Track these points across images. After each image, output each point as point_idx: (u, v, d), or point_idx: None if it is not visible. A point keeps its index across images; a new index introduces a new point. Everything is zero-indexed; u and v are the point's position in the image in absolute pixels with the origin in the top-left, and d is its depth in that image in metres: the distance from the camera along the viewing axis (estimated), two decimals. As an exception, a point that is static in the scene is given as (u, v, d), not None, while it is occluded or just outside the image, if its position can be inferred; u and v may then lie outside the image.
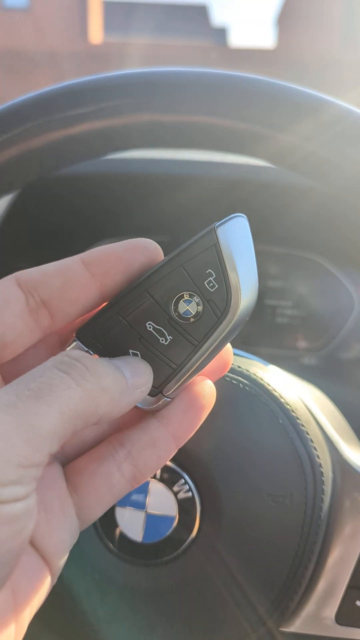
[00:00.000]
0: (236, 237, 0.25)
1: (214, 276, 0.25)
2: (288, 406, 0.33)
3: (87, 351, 0.26)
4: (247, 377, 0.33)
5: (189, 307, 0.26)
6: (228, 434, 0.33)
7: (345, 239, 0.63)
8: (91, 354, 0.26)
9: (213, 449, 0.32)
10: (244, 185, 0.57)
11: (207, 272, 0.25)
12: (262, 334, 0.70)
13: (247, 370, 0.34)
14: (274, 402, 0.33)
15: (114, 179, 0.60)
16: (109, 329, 0.26)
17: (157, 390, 0.26)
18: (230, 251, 0.25)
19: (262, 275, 0.70)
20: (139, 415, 0.28)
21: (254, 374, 0.34)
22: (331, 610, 0.33)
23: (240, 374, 0.33)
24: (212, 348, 0.26)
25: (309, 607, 0.33)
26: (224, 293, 0.25)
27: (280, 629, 0.33)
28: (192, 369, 0.26)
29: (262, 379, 0.34)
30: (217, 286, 0.25)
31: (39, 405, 0.20)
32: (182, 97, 0.30)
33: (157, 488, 0.32)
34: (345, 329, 0.69)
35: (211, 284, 0.25)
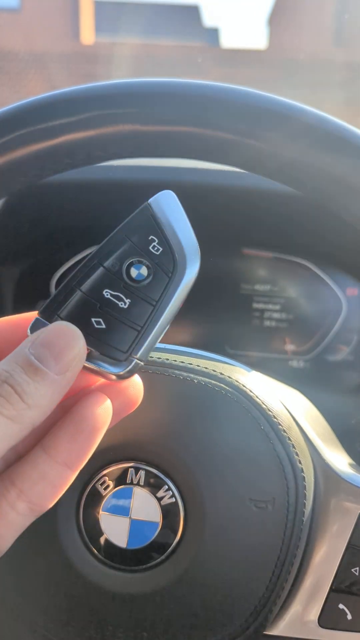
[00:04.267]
0: (168, 206, 0.29)
1: (157, 240, 0.28)
2: (270, 412, 0.33)
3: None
4: (229, 383, 0.34)
5: (140, 270, 0.28)
6: (210, 440, 0.33)
7: (332, 242, 0.63)
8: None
9: (196, 455, 0.33)
10: (227, 191, 0.57)
11: (150, 238, 0.28)
12: (250, 337, 0.71)
13: (229, 377, 0.34)
14: (255, 408, 0.33)
15: (103, 185, 0.60)
16: (68, 302, 0.28)
17: (126, 354, 0.27)
18: (166, 217, 0.28)
19: (250, 279, 0.70)
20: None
21: (236, 380, 0.34)
22: (314, 614, 0.34)
23: (223, 380, 0.34)
24: (170, 304, 0.28)
25: (293, 611, 0.34)
26: (169, 253, 0.28)
27: (264, 632, 0.34)
28: (157, 327, 0.28)
29: (243, 385, 0.34)
30: (161, 249, 0.28)
31: None
32: (163, 107, 0.30)
33: (141, 494, 0.33)
34: (333, 332, 0.69)
35: (155, 248, 0.28)
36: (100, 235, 0.66)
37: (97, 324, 0.27)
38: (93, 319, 0.27)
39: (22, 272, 0.69)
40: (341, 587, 0.33)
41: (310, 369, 0.70)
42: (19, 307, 0.70)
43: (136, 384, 0.30)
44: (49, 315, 0.27)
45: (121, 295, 0.28)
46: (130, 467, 0.33)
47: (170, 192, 0.29)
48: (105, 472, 0.33)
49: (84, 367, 0.27)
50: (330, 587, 0.33)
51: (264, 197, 0.58)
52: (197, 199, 0.58)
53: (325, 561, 0.34)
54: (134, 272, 0.28)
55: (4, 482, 0.26)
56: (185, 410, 0.33)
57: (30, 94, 0.33)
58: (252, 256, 0.69)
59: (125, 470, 0.33)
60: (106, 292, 0.28)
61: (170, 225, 0.28)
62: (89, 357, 0.27)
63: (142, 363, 0.28)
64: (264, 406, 0.33)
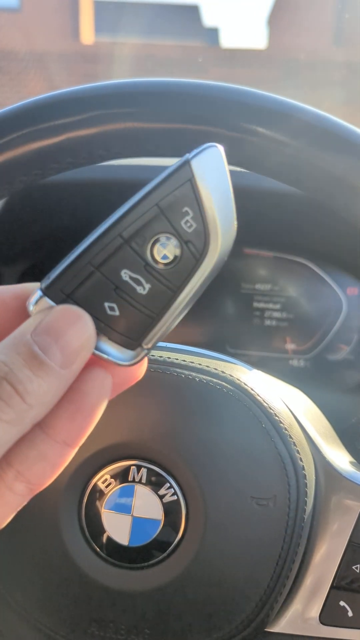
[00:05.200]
0: (212, 170, 0.23)
1: (191, 215, 0.23)
2: (271, 410, 0.34)
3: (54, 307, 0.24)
4: (231, 381, 0.34)
5: (166, 250, 0.23)
6: (212, 438, 0.33)
7: (332, 241, 0.63)
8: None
9: (198, 453, 0.33)
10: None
11: (184, 210, 0.23)
12: (251, 336, 0.71)
13: (231, 375, 0.34)
14: (257, 406, 0.33)
15: (104, 184, 0.60)
16: (80, 281, 0.23)
17: (136, 343, 0.24)
18: (207, 186, 0.23)
19: (250, 279, 0.70)
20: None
21: (237, 379, 0.34)
22: (315, 611, 0.34)
23: (224, 378, 0.34)
24: (192, 293, 0.24)
25: (294, 608, 0.34)
26: (202, 234, 0.23)
27: (266, 629, 0.34)
28: (172, 317, 0.24)
29: (245, 384, 0.34)
30: (194, 226, 0.23)
31: None
32: (164, 106, 0.31)
33: (143, 492, 0.33)
34: (334, 331, 0.69)
35: (188, 224, 0.23)
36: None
37: (110, 310, 0.24)
38: (106, 304, 0.23)
39: (24, 272, 0.69)
40: (342, 584, 0.34)
41: (310, 368, 0.70)
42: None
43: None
44: (55, 294, 0.23)
45: (141, 279, 0.23)
46: (132, 465, 0.33)
47: (217, 148, 0.23)
48: (107, 470, 0.33)
49: None
50: (331, 585, 0.34)
51: (264, 196, 0.58)
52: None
53: (326, 558, 0.34)
54: (159, 252, 0.23)
55: (1, 465, 0.24)
56: (186, 409, 0.33)
57: (30, 94, 0.33)
58: (253, 255, 0.69)
59: (127, 469, 0.33)
60: (125, 272, 0.23)
61: (209, 198, 0.23)
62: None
63: (150, 352, 0.25)
64: (265, 404, 0.34)
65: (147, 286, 0.23)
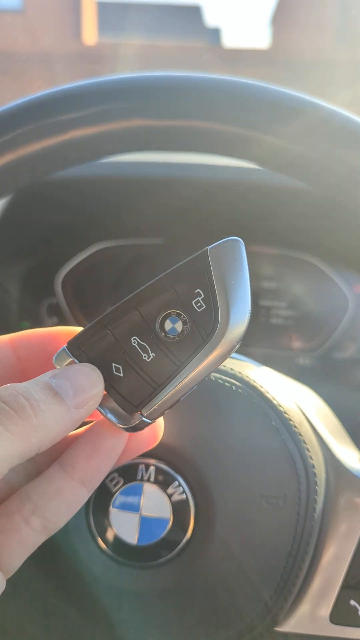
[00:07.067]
0: (228, 259, 0.26)
1: (203, 296, 0.25)
2: (281, 408, 0.33)
3: (72, 360, 0.26)
4: (240, 379, 0.34)
5: (175, 325, 0.26)
6: (221, 436, 0.33)
7: (338, 239, 0.63)
8: (76, 363, 0.26)
9: (207, 451, 0.33)
10: (234, 187, 0.57)
11: (196, 291, 0.25)
12: (257, 334, 0.71)
13: (240, 373, 0.34)
14: (266, 404, 0.33)
15: (108, 182, 0.60)
16: (95, 340, 0.26)
17: (135, 408, 0.26)
18: (221, 272, 0.25)
19: (257, 276, 0.70)
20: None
21: (247, 376, 0.34)
22: (325, 610, 0.33)
23: (233, 376, 0.34)
24: (195, 370, 0.26)
25: (304, 607, 0.34)
26: (211, 314, 0.25)
27: (275, 629, 0.34)
28: (173, 390, 0.26)
29: (254, 381, 0.34)
30: (204, 307, 0.25)
31: None
32: (172, 101, 0.30)
33: (151, 490, 0.33)
34: (340, 329, 0.69)
35: (199, 304, 0.25)
36: (105, 232, 0.66)
37: (115, 370, 0.26)
38: (113, 364, 0.26)
39: (27, 270, 0.69)
40: (352, 584, 0.33)
41: (317, 366, 0.69)
42: (25, 305, 0.70)
43: (155, 425, 0.29)
44: (74, 348, 0.26)
45: (147, 347, 0.26)
46: (140, 463, 0.33)
47: (237, 241, 0.26)
48: (114, 468, 0.33)
49: None
50: (342, 583, 0.33)
51: (271, 193, 0.57)
52: (203, 195, 0.58)
53: (336, 557, 0.33)
54: (167, 325, 0.26)
55: (20, 497, 0.26)
56: (195, 406, 0.33)
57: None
58: (259, 253, 0.69)
59: (135, 467, 0.33)
60: (134, 339, 0.26)
61: (223, 282, 0.25)
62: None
63: (149, 421, 0.26)
64: (275, 402, 0.33)
65: (152, 355, 0.26)
